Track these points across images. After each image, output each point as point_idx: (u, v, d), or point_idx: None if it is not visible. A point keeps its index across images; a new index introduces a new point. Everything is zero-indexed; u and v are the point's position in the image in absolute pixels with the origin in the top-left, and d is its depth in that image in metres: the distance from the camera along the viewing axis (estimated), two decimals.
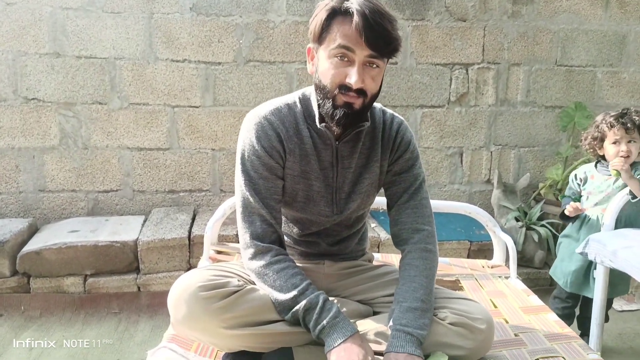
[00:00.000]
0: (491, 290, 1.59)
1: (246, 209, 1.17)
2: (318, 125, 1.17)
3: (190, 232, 2.45)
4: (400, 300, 1.15)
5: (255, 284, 1.17)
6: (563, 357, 1.21)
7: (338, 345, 1.04)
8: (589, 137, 2.01)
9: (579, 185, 2.07)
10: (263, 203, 1.16)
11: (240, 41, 2.74)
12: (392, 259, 1.79)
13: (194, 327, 1.05)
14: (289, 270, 1.13)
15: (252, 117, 1.19)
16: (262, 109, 1.20)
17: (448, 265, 1.79)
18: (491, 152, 3.05)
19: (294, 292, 1.09)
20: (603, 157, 2.00)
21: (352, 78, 1.06)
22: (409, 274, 1.19)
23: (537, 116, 3.06)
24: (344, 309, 1.25)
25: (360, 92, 1.08)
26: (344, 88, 1.07)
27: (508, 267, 1.74)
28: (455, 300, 1.21)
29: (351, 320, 1.22)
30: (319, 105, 1.15)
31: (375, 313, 1.28)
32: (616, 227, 1.90)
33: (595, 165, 2.04)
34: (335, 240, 1.33)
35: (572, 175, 2.12)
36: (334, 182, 1.23)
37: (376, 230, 2.58)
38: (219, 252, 1.74)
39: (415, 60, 2.90)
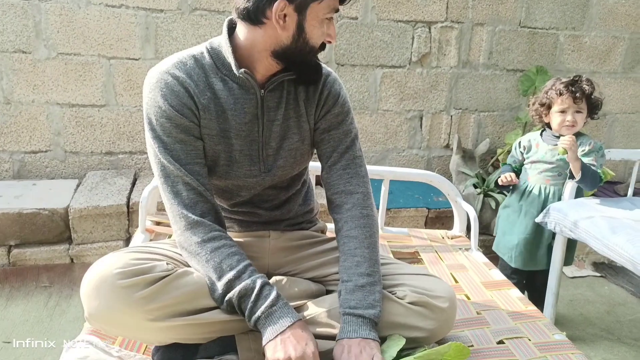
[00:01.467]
0: (452, 264, 1.50)
1: (168, 179, 1.01)
2: (237, 73, 1.02)
3: (129, 198, 2.23)
4: (344, 279, 1.04)
5: (189, 266, 1.01)
6: (528, 338, 1.13)
7: (274, 337, 0.92)
8: (537, 102, 1.92)
9: (522, 153, 1.97)
10: (186, 169, 1.01)
11: None
12: None
13: (112, 322, 0.89)
14: (225, 250, 0.99)
15: (154, 75, 1.03)
16: (163, 65, 1.04)
17: (407, 236, 1.69)
18: (451, 116, 2.96)
19: (229, 276, 0.95)
20: (548, 125, 1.92)
21: (334, 35, 1.05)
22: (348, 248, 1.08)
23: (498, 80, 2.97)
24: (295, 289, 1.13)
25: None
26: (322, 47, 1.05)
27: (469, 238, 1.66)
28: (415, 276, 1.10)
29: (302, 302, 1.10)
30: (288, 65, 1.05)
31: (329, 292, 1.16)
32: (552, 202, 1.89)
33: (541, 134, 1.95)
34: (273, 204, 1.19)
35: (516, 143, 2.01)
36: (260, 137, 1.09)
37: None
38: (157, 223, 1.56)
39: (376, 15, 2.71)
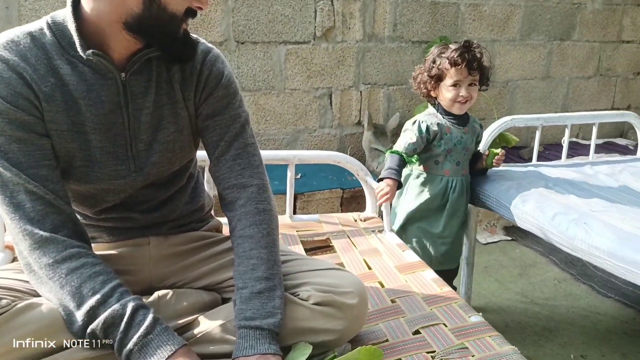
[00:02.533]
0: (365, 249, 1.41)
1: (5, 189, 0.81)
2: (83, 55, 0.84)
3: None
4: (239, 286, 0.90)
5: (39, 295, 0.83)
6: (444, 324, 1.07)
7: None
8: (425, 74, 1.61)
9: (428, 139, 1.62)
10: (29, 175, 0.81)
11: None
12: None
13: None
14: (86, 270, 0.81)
15: None
16: None
17: (318, 223, 1.58)
18: (361, 92, 2.88)
19: (91, 302, 0.78)
20: (436, 102, 1.66)
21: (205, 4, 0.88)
22: (243, 250, 0.93)
23: (404, 52, 2.93)
24: (184, 303, 0.97)
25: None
26: (190, 14, 0.87)
27: (382, 218, 1.58)
28: (319, 272, 0.98)
29: (192, 317, 0.95)
30: (150, 38, 0.86)
31: (225, 300, 1.02)
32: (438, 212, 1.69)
33: (441, 113, 1.66)
34: (151, 205, 1.01)
35: (418, 125, 1.62)
36: (126, 130, 0.91)
37: None
38: None
39: None
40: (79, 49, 0.84)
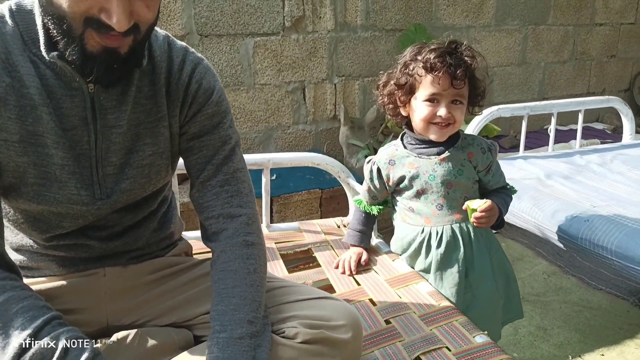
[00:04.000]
0: None
1: None
2: (46, 56, 0.69)
3: None
4: (217, 329, 0.75)
5: None
6: (447, 347, 0.95)
7: None
8: (391, 83, 1.14)
9: (386, 185, 1.21)
10: None
11: None
12: None
13: None
14: (13, 305, 0.66)
15: None
16: None
17: (298, 232, 1.44)
18: (335, 85, 2.74)
19: (19, 340, 0.63)
20: (408, 122, 1.18)
21: (114, 17, 0.64)
22: (225, 286, 0.79)
23: (378, 41, 2.80)
24: (148, 345, 0.82)
25: (131, 29, 0.67)
26: (97, 26, 0.65)
27: None
28: (306, 303, 0.84)
29: None
30: (53, 39, 0.68)
31: (198, 339, 0.87)
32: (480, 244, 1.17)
33: (404, 144, 1.19)
34: (112, 232, 0.86)
35: (370, 168, 1.22)
36: (92, 150, 0.76)
37: None
38: None
39: None
40: (42, 48, 0.68)
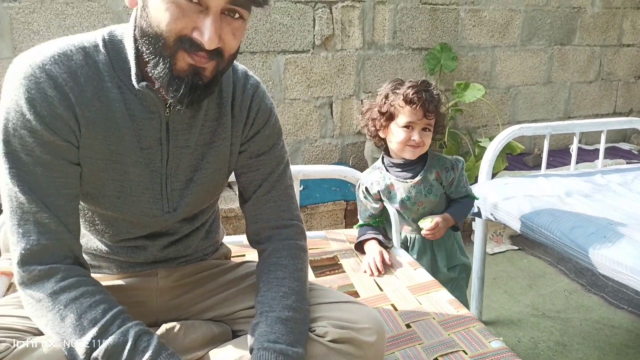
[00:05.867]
0: None
1: (15, 214, 0.75)
2: (136, 85, 0.77)
3: None
4: (266, 310, 0.83)
5: (40, 333, 0.77)
6: (464, 351, 1.01)
7: None
8: (375, 110, 1.42)
9: (375, 200, 1.48)
10: (44, 203, 0.75)
11: None
12: None
13: None
14: (86, 300, 0.75)
15: (22, 67, 0.74)
16: (37, 54, 0.75)
17: (325, 240, 1.52)
18: (361, 101, 2.83)
19: (92, 333, 0.72)
20: (384, 143, 1.47)
21: (205, 34, 0.70)
22: (275, 276, 0.88)
23: (404, 59, 2.88)
24: (192, 336, 0.91)
25: (215, 52, 0.73)
26: (189, 44, 0.71)
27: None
28: (335, 305, 0.92)
29: (201, 352, 0.89)
30: (144, 60, 0.75)
31: (235, 334, 0.95)
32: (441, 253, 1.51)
33: (385, 167, 1.48)
34: (169, 241, 0.95)
35: (361, 189, 1.50)
36: (164, 168, 0.85)
37: None
38: None
39: None
40: (133, 78, 0.77)
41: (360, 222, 1.52)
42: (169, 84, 0.73)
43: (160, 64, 0.72)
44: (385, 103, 1.39)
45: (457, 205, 1.49)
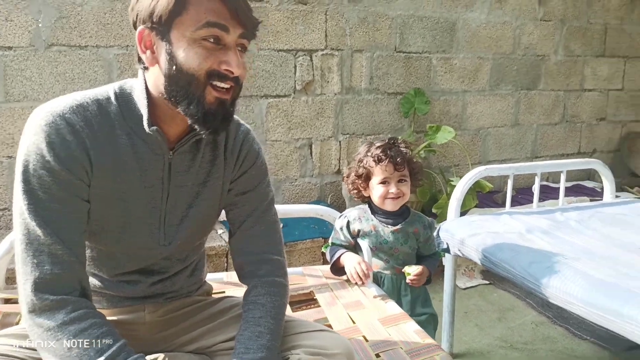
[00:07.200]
0: (348, 302, 1.44)
1: (31, 246, 0.83)
2: (147, 129, 0.88)
3: None
4: (242, 350, 0.92)
5: None
6: None
7: None
8: (352, 174, 1.59)
9: (351, 235, 1.60)
10: (58, 236, 0.83)
11: (39, 20, 2.20)
12: None
13: None
14: (94, 331, 0.82)
15: (42, 115, 0.84)
16: (57, 105, 0.86)
17: (302, 276, 1.61)
18: (340, 142, 2.98)
19: (102, 358, 0.79)
20: (370, 200, 1.61)
21: (233, 63, 0.84)
22: (253, 316, 0.96)
23: (380, 103, 3.06)
24: None
25: (236, 80, 0.87)
26: (217, 76, 0.84)
27: None
28: (308, 334, 1.01)
29: None
30: (173, 103, 0.87)
31: None
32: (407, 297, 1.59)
33: (371, 211, 1.62)
34: (159, 278, 1.04)
35: (342, 222, 1.61)
36: (163, 204, 0.95)
37: (224, 238, 2.32)
38: (7, 301, 1.32)
39: (256, 45, 2.66)
40: (145, 123, 0.88)
41: (333, 242, 1.62)
42: (204, 118, 0.85)
43: (194, 102, 0.84)
44: (360, 167, 1.56)
45: (429, 259, 1.63)
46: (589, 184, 3.62)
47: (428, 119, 3.16)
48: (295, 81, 2.79)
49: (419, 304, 1.62)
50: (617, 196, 2.61)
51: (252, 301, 0.98)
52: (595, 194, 3.30)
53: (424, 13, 3.07)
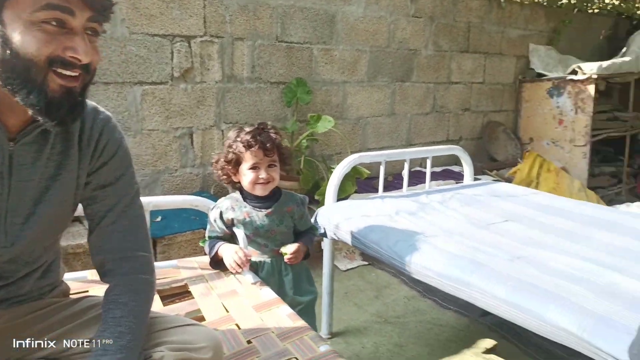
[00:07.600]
0: (223, 292, 1.44)
1: None
2: None
3: None
4: (99, 352, 0.87)
5: None
6: (296, 358, 1.14)
7: None
8: (222, 159, 1.57)
9: (226, 225, 1.58)
10: None
11: None
12: None
13: None
14: None
15: None
16: None
17: (176, 269, 1.58)
18: (222, 131, 2.93)
19: None
20: (240, 186, 1.59)
21: (80, 50, 0.78)
22: (113, 316, 0.92)
23: (263, 92, 3.06)
24: None
25: (85, 68, 0.81)
26: (60, 63, 0.77)
27: None
28: (173, 330, 0.99)
29: None
30: (16, 93, 0.78)
31: None
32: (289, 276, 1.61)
33: (244, 199, 1.59)
34: (3, 283, 0.95)
35: (215, 213, 1.60)
36: (4, 201, 0.86)
37: None
38: None
39: (127, 29, 2.51)
40: None
41: (210, 235, 1.61)
42: (47, 108, 0.78)
43: (34, 91, 0.77)
44: (229, 152, 1.54)
45: (305, 235, 1.67)
46: (456, 168, 3.97)
47: (310, 108, 3.23)
48: (172, 68, 2.69)
49: (304, 281, 1.65)
50: (477, 179, 2.91)
51: (113, 300, 0.94)
52: (461, 178, 3.61)
53: (305, 4, 3.12)
